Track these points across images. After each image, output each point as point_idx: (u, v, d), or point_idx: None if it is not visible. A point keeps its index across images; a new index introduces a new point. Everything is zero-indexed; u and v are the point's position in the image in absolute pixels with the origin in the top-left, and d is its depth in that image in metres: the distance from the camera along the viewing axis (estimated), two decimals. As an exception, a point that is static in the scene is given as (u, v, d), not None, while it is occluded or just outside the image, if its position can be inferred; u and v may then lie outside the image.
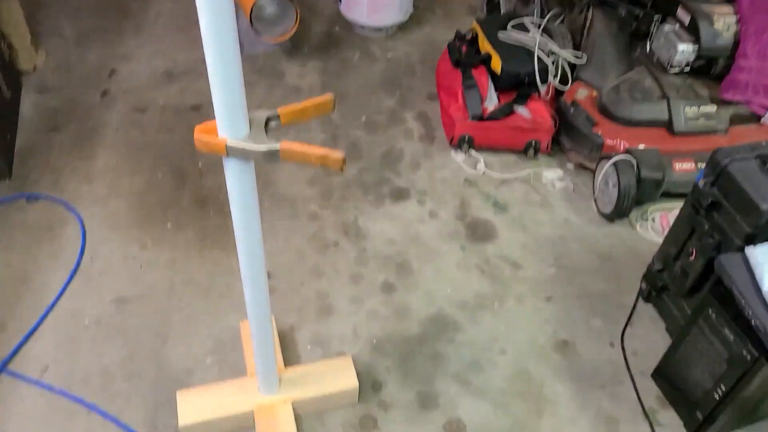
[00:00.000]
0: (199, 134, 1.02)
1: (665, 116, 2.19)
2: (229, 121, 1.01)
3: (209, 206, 2.12)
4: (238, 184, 1.10)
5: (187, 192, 2.17)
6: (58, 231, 2.02)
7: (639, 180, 2.04)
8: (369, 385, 1.70)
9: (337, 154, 1.00)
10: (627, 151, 2.10)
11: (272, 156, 1.03)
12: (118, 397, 1.64)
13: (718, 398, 1.48)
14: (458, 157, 2.35)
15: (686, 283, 1.67)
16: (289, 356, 1.74)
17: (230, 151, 1.03)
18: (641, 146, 2.14)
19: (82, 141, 2.33)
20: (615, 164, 2.06)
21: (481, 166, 2.31)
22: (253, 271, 1.26)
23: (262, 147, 1.02)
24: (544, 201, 2.22)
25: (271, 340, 1.45)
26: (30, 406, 1.61)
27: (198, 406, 1.55)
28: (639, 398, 1.69)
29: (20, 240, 1.98)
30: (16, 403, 1.61)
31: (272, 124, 1.08)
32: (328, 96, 1.11)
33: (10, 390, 1.63)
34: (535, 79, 2.27)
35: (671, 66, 2.20)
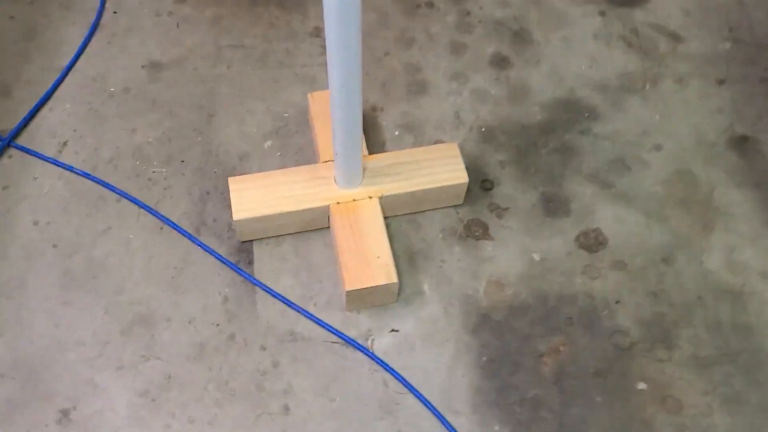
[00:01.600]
0: None
1: None
2: None
3: (263, -48, 1.60)
4: None
5: (234, -66, 1.65)
6: (71, -23, 1.56)
7: None
8: (477, 183, 1.28)
9: None
10: None
11: None
12: (155, 184, 1.27)
13: None
14: None
15: None
16: (372, 143, 1.33)
17: None
18: None
19: None
20: None
21: None
22: (346, 18, 0.80)
23: None
24: (714, -46, 1.62)
25: (359, 119, 1.02)
26: (47, 189, 1.26)
27: (257, 197, 1.17)
28: None
29: (25, -14, 1.54)
30: (28, 183, 1.27)
31: None
32: None
33: (22, 168, 1.28)
34: None
35: None
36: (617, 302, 1.16)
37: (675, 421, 1.06)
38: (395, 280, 1.09)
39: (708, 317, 1.15)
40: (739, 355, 1.12)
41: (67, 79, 1.39)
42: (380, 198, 1.18)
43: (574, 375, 1.10)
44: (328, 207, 1.17)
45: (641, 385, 1.09)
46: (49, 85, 1.38)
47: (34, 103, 1.35)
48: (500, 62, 1.45)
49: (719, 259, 1.20)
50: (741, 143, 1.33)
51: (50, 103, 1.36)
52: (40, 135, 1.32)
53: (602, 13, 1.52)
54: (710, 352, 1.12)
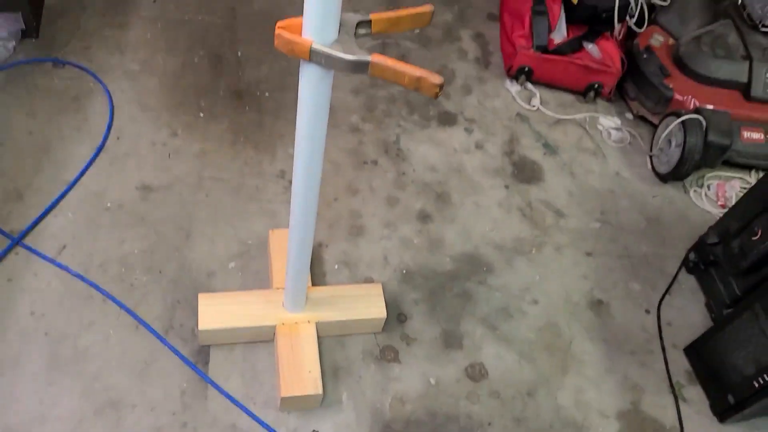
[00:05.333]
0: (281, 31, 0.89)
1: (744, 78, 2.03)
2: (318, 22, 0.87)
3: (246, 100, 1.98)
4: (314, 93, 0.97)
5: (224, 81, 2.02)
6: (84, 102, 1.89)
7: (705, 144, 1.91)
8: (394, 315, 1.63)
9: (434, 78, 0.88)
10: (696, 111, 1.96)
11: (360, 68, 0.90)
12: (135, 289, 1.57)
13: (758, 386, 1.42)
14: (513, 87, 2.20)
15: (743, 263, 1.58)
16: (316, 273, 1.67)
17: (313, 56, 0.90)
18: (710, 107, 2.00)
19: (116, 7, 2.15)
20: (683, 123, 1.92)
21: (536, 101, 2.16)
22: (307, 186, 1.15)
23: (351, 57, 0.89)
24: (597, 149, 2.09)
25: (308, 260, 1.37)
26: (44, 284, 1.54)
27: (219, 312, 1.48)
28: (668, 370, 1.64)
29: (44, 106, 1.85)
30: (29, 278, 1.54)
31: (360, 30, 0.94)
32: (427, 7, 0.96)
33: (25, 265, 1.56)
34: (613, 15, 2.08)
35: (763, 25, 2.01)
36: (489, 424, 1.50)
37: None
38: (320, 391, 1.41)
39: (556, 442, 1.51)
40: (575, 474, 1.47)
41: (72, 192, 1.70)
42: (317, 323, 1.51)
43: (450, 479, 1.42)
44: (275, 326, 1.49)
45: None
46: (57, 195, 1.67)
47: (42, 210, 1.64)
48: (424, 217, 1.84)
49: (569, 397, 1.57)
50: (597, 305, 1.74)
51: (56, 210, 1.66)
52: (44, 237, 1.61)
53: (507, 187, 1.95)
54: (554, 470, 1.47)
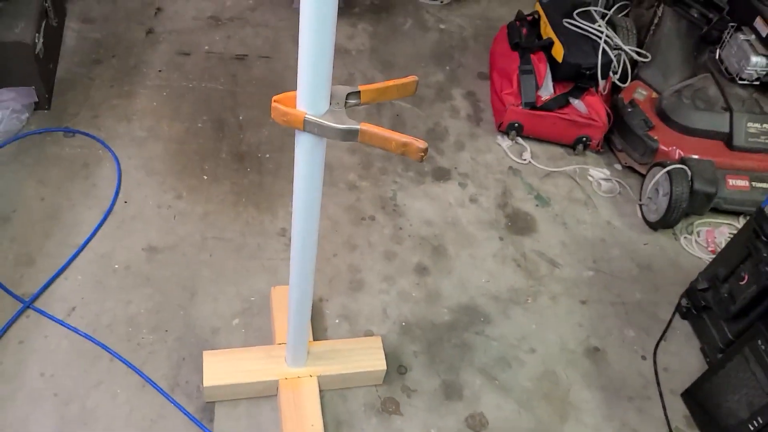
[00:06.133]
0: (277, 104, 0.97)
1: (726, 129, 2.12)
2: (311, 95, 0.95)
3: (247, 162, 2.06)
4: (308, 159, 1.05)
5: (226, 144, 2.11)
6: (93, 169, 1.97)
7: (691, 192, 1.97)
8: (394, 367, 1.67)
9: (419, 144, 0.95)
10: (682, 161, 2.04)
11: (350, 135, 0.97)
12: (142, 348, 1.61)
13: (753, 430, 1.45)
14: (504, 142, 2.29)
15: (732, 308, 1.62)
16: (317, 327, 1.71)
17: (307, 126, 0.97)
18: (694, 156, 2.07)
19: (123, 78, 2.27)
20: (669, 173, 1.99)
21: (527, 155, 2.25)
22: (305, 246, 1.21)
23: (341, 126, 0.96)
24: (587, 200, 2.16)
25: (308, 316, 1.42)
26: (54, 346, 1.59)
27: (224, 369, 1.52)
28: (666, 416, 1.66)
29: (55, 174, 1.94)
30: (40, 340, 1.59)
31: (350, 100, 1.02)
32: (411, 78, 1.05)
33: (36, 327, 1.61)
34: (596, 72, 2.19)
35: (740, 78, 2.11)
36: (490, 474, 1.52)
37: None
38: (323, 445, 1.44)
39: (557, 490, 1.52)
40: None
41: (81, 255, 1.76)
42: (318, 376, 1.55)
43: None
44: (277, 381, 1.53)
45: None
46: (66, 259, 1.74)
47: (52, 273, 1.70)
48: (421, 270, 1.90)
49: (569, 444, 1.59)
50: (594, 353, 1.77)
51: (66, 273, 1.72)
52: (54, 300, 1.67)
53: (501, 239, 2.01)
54: None
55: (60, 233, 1.80)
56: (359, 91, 1.01)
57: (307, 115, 0.96)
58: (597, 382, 1.71)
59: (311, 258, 1.26)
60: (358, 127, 0.96)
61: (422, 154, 0.95)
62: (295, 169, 1.08)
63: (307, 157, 1.05)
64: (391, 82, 1.04)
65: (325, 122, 0.96)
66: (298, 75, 0.94)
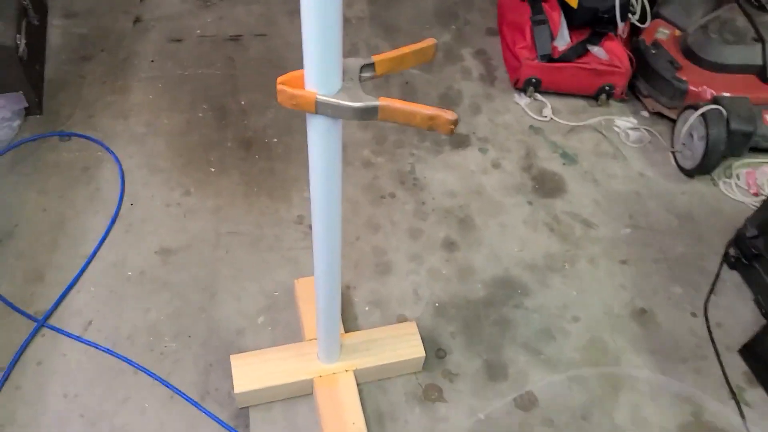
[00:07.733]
0: (283, 87, 0.85)
1: (759, 61, 1.97)
2: (321, 73, 0.84)
3: (255, 149, 1.95)
4: (324, 144, 0.94)
5: (230, 132, 2.00)
6: (94, 172, 1.87)
7: (728, 133, 1.84)
8: (432, 352, 1.58)
9: (447, 115, 0.83)
10: (714, 100, 1.90)
11: (368, 113, 0.86)
12: (166, 357, 1.53)
13: (825, 385, 1.35)
14: (522, 100, 2.16)
15: (789, 254, 1.51)
16: (346, 317, 1.62)
17: (320, 108, 0.86)
18: (727, 94, 1.94)
19: (115, 73, 2.15)
20: (703, 115, 1.86)
21: (547, 111, 2.12)
22: (329, 239, 1.11)
23: (358, 104, 0.85)
24: (616, 152, 2.04)
25: (338, 309, 1.32)
26: (74, 364, 1.51)
27: (254, 372, 1.44)
28: (725, 375, 1.56)
29: (55, 181, 1.84)
30: (58, 359, 1.51)
31: (365, 74, 0.90)
32: (430, 41, 0.93)
33: (52, 346, 1.53)
34: (614, 15, 2.04)
35: (771, 4, 1.96)
36: (546, 455, 1.44)
37: None
38: (368, 443, 1.36)
39: (618, 466, 1.43)
40: (644, 498, 1.39)
41: (91, 265, 1.67)
42: (355, 370, 1.46)
43: None
44: (312, 380, 1.44)
45: None
46: (77, 271, 1.65)
47: (63, 287, 1.62)
48: (449, 245, 1.79)
49: (626, 415, 1.50)
50: (641, 315, 1.67)
51: (78, 286, 1.63)
52: (69, 315, 1.58)
53: (530, 203, 1.90)
54: (621, 496, 1.39)
55: (67, 244, 1.71)
56: (373, 63, 0.90)
57: (318, 96, 0.85)
58: (647, 345, 1.61)
59: (336, 249, 1.16)
60: (377, 103, 0.85)
61: (452, 126, 0.84)
62: (310, 157, 0.98)
63: (322, 142, 0.94)
64: (407, 48, 0.92)
65: (341, 102, 0.85)
66: (303, 51, 0.83)
